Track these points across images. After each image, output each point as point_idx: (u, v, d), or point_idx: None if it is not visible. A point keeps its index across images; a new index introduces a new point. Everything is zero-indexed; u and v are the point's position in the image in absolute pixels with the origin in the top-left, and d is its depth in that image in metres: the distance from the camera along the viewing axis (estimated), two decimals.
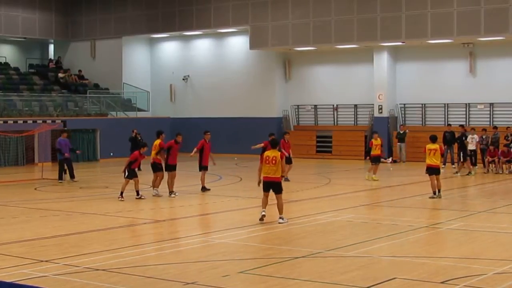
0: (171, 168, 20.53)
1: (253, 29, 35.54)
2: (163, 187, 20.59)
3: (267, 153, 15.40)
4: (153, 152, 20.67)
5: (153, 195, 20.42)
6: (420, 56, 34.15)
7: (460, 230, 14.65)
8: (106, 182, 25.44)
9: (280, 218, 15.42)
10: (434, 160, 19.18)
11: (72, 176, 25.20)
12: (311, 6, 33.81)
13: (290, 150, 24.66)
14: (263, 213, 15.42)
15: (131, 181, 19.75)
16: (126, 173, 19.76)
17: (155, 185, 20.62)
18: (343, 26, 32.93)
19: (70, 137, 27.11)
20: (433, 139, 19.39)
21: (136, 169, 20.25)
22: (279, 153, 15.32)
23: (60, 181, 24.96)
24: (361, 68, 35.58)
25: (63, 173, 25.24)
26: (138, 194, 19.73)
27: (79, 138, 34.55)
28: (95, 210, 18.11)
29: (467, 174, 26.57)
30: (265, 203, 15.46)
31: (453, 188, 23.32)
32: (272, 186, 15.32)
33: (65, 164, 25.11)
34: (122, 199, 19.49)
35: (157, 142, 20.72)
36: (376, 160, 24.84)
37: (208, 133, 21.66)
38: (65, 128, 26.32)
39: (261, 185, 15.49)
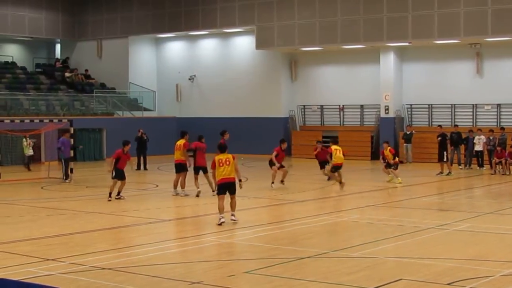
0: (203, 170, 20.22)
1: (259, 29, 35.52)
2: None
3: (218, 157, 15.32)
4: (176, 152, 20.49)
5: (181, 196, 20.24)
6: (426, 56, 34.06)
7: (466, 231, 14.61)
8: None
9: (232, 215, 15.36)
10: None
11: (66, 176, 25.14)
12: (317, 6, 33.77)
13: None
14: (222, 219, 15.21)
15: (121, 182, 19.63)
16: (114, 173, 19.67)
17: (181, 185, 20.38)
18: (349, 27, 32.87)
19: (73, 136, 27.03)
20: (334, 142, 23.20)
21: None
22: (231, 155, 15.32)
23: (66, 180, 24.86)
24: (367, 69, 35.51)
25: (70, 172, 25.30)
26: (118, 194, 19.67)
27: (85, 137, 34.61)
28: (101, 209, 18.14)
29: (447, 174, 26.68)
30: (222, 208, 15.28)
31: (460, 189, 23.27)
32: (229, 186, 15.26)
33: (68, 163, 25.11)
34: (110, 199, 19.45)
35: (181, 142, 20.54)
36: (388, 166, 25.06)
37: (227, 133, 21.18)
38: (69, 128, 26.32)
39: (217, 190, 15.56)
